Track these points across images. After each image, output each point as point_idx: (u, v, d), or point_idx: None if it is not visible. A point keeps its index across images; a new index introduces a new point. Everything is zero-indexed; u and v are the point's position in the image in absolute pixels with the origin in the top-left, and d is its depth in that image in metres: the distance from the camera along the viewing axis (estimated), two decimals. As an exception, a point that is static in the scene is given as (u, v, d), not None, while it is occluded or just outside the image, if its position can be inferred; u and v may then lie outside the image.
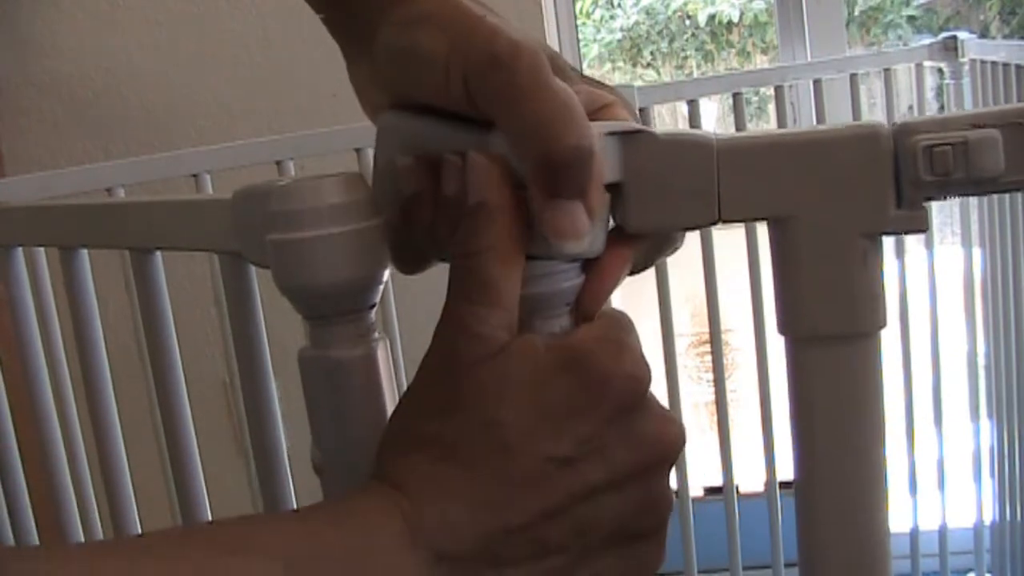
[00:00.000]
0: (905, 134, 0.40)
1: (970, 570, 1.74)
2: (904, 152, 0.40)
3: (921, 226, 0.41)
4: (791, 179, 0.41)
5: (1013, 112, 0.39)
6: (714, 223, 0.43)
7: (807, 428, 0.44)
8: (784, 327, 0.43)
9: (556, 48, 1.85)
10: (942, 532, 1.66)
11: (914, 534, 1.63)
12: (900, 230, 0.41)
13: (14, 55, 1.81)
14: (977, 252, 1.66)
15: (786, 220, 0.42)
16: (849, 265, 0.41)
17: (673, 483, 1.47)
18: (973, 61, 1.58)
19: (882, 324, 0.42)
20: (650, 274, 1.38)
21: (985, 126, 0.39)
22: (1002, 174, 0.39)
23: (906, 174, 0.40)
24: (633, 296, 2.09)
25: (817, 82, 1.50)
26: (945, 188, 0.40)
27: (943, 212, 2.23)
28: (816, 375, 0.43)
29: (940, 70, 1.66)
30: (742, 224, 1.35)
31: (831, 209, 0.41)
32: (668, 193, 0.42)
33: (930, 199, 0.40)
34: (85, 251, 0.82)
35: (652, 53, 2.70)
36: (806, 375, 0.43)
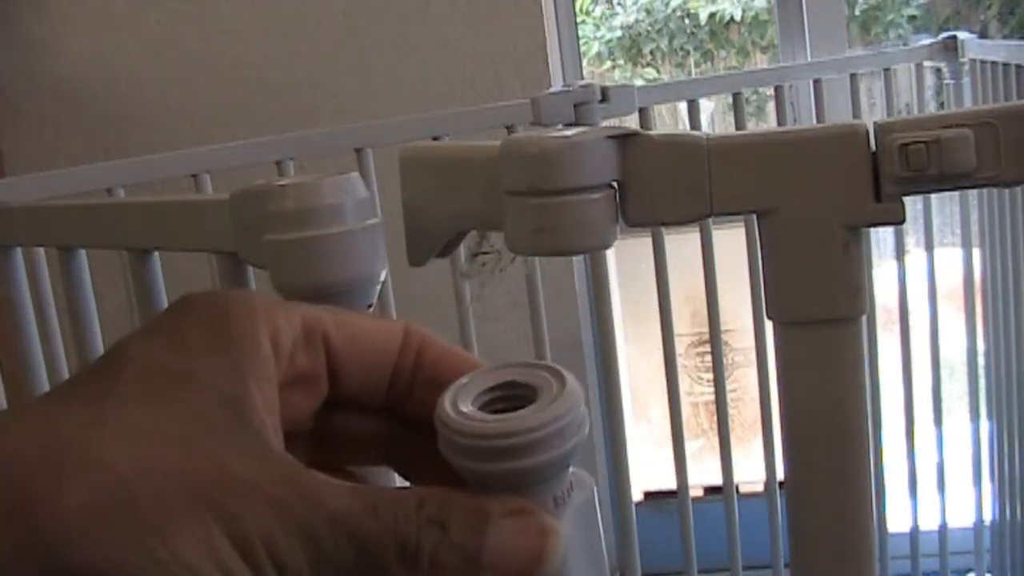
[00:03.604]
0: (883, 133, 0.43)
1: (970, 570, 1.74)
2: (882, 150, 0.43)
3: (897, 218, 0.44)
4: (777, 175, 0.44)
5: (985, 112, 0.42)
6: (707, 217, 0.45)
7: (792, 410, 0.46)
8: (771, 312, 0.46)
9: (556, 47, 1.85)
10: (942, 532, 1.66)
11: (914, 534, 1.63)
12: (878, 222, 0.44)
13: (14, 55, 1.81)
14: (977, 253, 1.66)
15: (772, 213, 0.44)
16: (830, 254, 0.44)
17: (672, 483, 1.45)
18: (973, 61, 1.58)
19: (863, 310, 0.45)
20: (650, 274, 1.38)
21: (958, 125, 0.42)
22: (974, 170, 0.42)
23: (884, 170, 0.43)
24: (634, 296, 2.10)
25: (817, 82, 1.50)
26: (919, 183, 0.43)
27: (943, 212, 2.23)
28: (800, 358, 0.46)
29: (940, 70, 1.66)
30: (742, 224, 1.35)
31: (814, 202, 0.44)
32: (664, 190, 0.45)
33: (906, 194, 0.43)
34: (84, 251, 0.82)
35: (652, 51, 2.70)
36: (791, 358, 0.46)
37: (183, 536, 0.23)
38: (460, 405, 0.28)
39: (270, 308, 0.28)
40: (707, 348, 1.66)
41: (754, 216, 0.45)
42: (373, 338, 0.30)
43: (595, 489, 0.30)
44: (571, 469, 0.29)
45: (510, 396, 0.28)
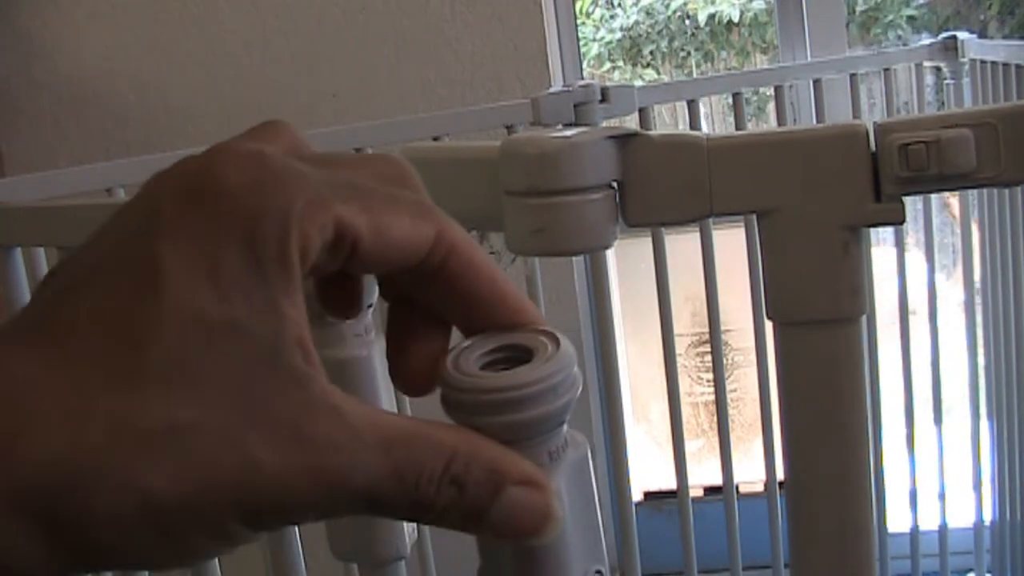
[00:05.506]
0: (883, 133, 0.43)
1: (970, 570, 1.74)
2: (883, 150, 0.43)
3: (898, 219, 0.44)
4: (777, 175, 0.44)
5: (985, 112, 0.42)
6: (707, 217, 0.45)
7: (792, 410, 0.47)
8: (771, 312, 0.47)
9: (556, 48, 1.85)
10: (942, 532, 1.66)
11: (914, 534, 1.63)
12: (878, 222, 0.44)
13: (14, 55, 1.81)
14: (977, 252, 1.66)
15: (772, 213, 0.44)
16: (830, 255, 0.44)
17: (672, 483, 1.45)
18: (973, 61, 1.58)
19: (863, 310, 0.45)
20: (650, 274, 1.38)
21: (958, 126, 0.42)
22: (974, 170, 0.42)
23: (884, 170, 0.43)
24: (634, 296, 2.10)
25: (817, 82, 1.50)
26: (920, 184, 0.43)
27: (944, 211, 2.23)
28: (800, 358, 0.46)
29: (940, 70, 1.66)
30: (742, 224, 1.35)
31: (813, 203, 0.44)
32: (664, 190, 0.45)
33: (906, 194, 0.43)
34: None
35: (652, 52, 2.70)
36: (791, 358, 0.46)
37: (204, 538, 0.26)
38: (461, 365, 0.30)
39: (304, 218, 0.27)
40: (707, 348, 1.66)
41: (754, 216, 0.45)
42: (403, 247, 0.29)
43: (589, 448, 0.32)
44: (565, 428, 0.31)
45: (509, 358, 0.30)
